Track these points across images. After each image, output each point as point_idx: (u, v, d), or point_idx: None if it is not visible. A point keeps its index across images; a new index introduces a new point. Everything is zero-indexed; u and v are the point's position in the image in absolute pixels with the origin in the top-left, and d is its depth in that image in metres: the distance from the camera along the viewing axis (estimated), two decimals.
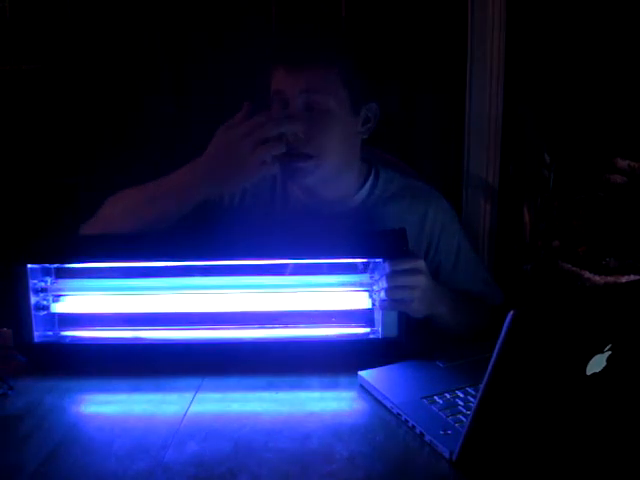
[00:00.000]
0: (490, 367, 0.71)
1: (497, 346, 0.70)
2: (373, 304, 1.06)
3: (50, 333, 1.07)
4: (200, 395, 0.97)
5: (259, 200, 1.27)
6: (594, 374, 0.78)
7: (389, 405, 0.92)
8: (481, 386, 0.72)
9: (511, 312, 0.69)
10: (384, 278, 1.01)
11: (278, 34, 1.28)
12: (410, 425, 0.87)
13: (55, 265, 1.05)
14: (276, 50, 1.19)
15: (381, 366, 1.01)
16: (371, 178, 1.27)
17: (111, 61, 2.08)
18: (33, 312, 1.02)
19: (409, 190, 1.27)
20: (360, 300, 1.07)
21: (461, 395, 0.91)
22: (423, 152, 2.10)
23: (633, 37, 1.99)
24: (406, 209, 1.25)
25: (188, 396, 0.96)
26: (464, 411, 0.88)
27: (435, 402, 0.90)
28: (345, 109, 1.17)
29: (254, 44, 2.02)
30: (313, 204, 1.24)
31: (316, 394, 0.98)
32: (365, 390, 0.97)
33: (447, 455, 0.79)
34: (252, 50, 2.01)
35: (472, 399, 0.90)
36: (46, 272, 1.05)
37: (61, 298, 1.06)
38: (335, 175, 1.21)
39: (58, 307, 1.06)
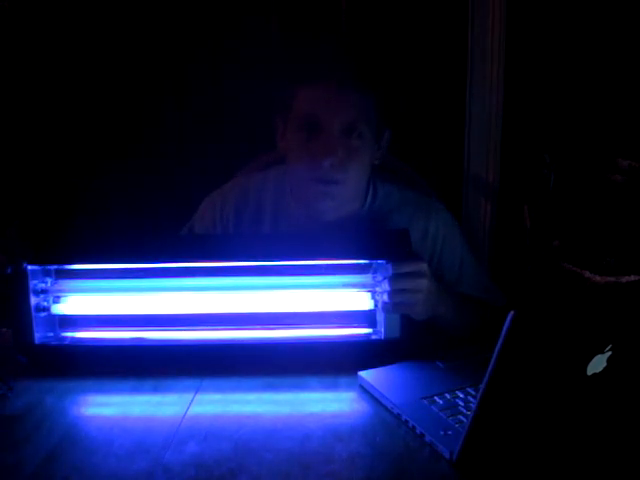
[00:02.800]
0: (490, 367, 0.71)
1: (497, 346, 0.70)
2: (375, 305, 1.06)
3: (50, 334, 1.06)
4: (200, 396, 0.97)
5: (252, 225, 1.27)
6: (595, 374, 0.78)
7: (389, 405, 0.92)
8: (481, 386, 0.72)
9: (511, 312, 0.69)
10: (387, 281, 1.01)
11: (308, 47, 1.23)
12: (410, 425, 0.87)
13: (55, 266, 1.05)
14: (311, 67, 1.14)
15: (381, 366, 1.01)
16: (369, 196, 1.25)
17: (117, 69, 2.08)
18: (33, 313, 1.02)
19: (408, 205, 1.25)
20: (362, 301, 1.06)
21: (461, 395, 0.91)
22: (423, 152, 2.10)
23: (633, 37, 1.99)
24: (406, 225, 1.22)
25: (188, 397, 0.96)
26: (464, 411, 0.87)
27: (435, 402, 0.90)
28: (373, 135, 1.16)
29: (255, 55, 2.02)
30: (312, 225, 1.23)
31: (316, 395, 0.98)
32: (365, 390, 0.97)
33: (447, 455, 0.79)
34: (251, 61, 2.02)
35: (472, 399, 0.90)
36: (46, 273, 1.05)
37: (61, 299, 1.06)
38: (347, 200, 1.21)
39: (58, 308, 1.06)
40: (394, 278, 1.00)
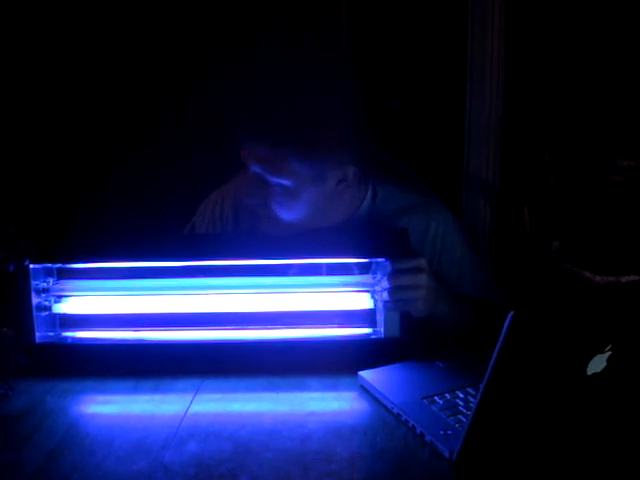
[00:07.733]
0: (490, 367, 0.71)
1: (497, 346, 0.70)
2: (375, 304, 1.06)
3: (51, 334, 1.07)
4: (200, 395, 0.97)
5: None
6: (594, 374, 0.78)
7: (389, 405, 0.92)
8: (481, 386, 0.72)
9: (511, 312, 0.69)
10: (387, 278, 1.01)
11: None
12: (410, 425, 0.87)
13: (57, 265, 1.05)
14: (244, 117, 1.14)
15: (381, 366, 1.01)
16: (368, 197, 1.24)
17: (118, 69, 2.08)
18: (35, 312, 1.03)
19: (409, 206, 1.24)
20: (362, 300, 1.07)
21: (461, 395, 0.92)
22: (423, 152, 2.10)
23: (633, 37, 2.00)
24: (406, 226, 1.20)
25: (188, 396, 0.96)
26: (464, 411, 0.88)
27: (435, 402, 0.90)
28: (314, 168, 1.09)
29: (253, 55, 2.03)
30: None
31: (317, 394, 0.98)
32: (365, 390, 0.97)
33: (447, 455, 0.79)
34: (250, 60, 2.02)
35: (472, 399, 0.90)
36: (48, 272, 1.05)
37: (63, 299, 1.06)
38: (322, 218, 1.17)
39: (60, 308, 1.06)
40: (394, 274, 1.00)
